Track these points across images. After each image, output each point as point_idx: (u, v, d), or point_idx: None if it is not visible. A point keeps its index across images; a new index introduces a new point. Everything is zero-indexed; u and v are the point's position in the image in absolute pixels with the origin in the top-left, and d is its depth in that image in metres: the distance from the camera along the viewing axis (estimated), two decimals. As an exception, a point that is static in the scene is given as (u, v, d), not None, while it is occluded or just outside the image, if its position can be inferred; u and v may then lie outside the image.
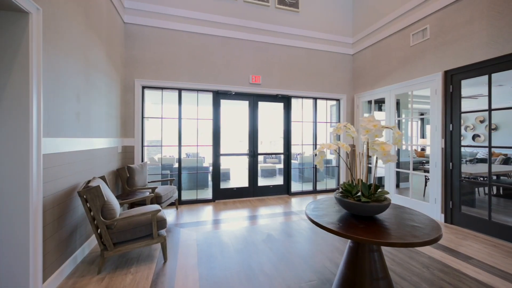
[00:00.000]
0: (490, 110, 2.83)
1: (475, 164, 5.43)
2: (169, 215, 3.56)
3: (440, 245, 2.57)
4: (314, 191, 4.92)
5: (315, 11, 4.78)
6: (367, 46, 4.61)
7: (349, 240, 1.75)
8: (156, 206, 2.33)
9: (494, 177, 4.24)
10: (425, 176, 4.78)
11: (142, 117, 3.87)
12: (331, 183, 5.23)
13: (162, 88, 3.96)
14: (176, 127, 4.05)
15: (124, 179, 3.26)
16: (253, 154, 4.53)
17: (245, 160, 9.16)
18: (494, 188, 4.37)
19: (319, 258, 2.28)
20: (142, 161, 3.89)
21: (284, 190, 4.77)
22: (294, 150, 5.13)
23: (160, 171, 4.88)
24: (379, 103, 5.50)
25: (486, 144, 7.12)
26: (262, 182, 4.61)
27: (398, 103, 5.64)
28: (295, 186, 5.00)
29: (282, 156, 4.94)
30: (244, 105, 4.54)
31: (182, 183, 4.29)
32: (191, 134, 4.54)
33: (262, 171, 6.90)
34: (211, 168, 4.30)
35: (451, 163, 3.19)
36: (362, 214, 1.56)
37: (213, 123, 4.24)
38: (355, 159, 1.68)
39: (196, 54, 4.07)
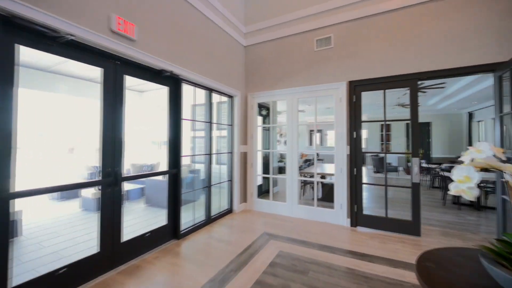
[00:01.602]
0: (385, 120, 3.27)
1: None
2: None
3: (363, 254, 2.41)
4: (208, 220, 3.47)
5: (209, -31, 3.44)
6: (264, 41, 4.05)
7: None
8: None
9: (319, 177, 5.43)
10: (303, 180, 5.11)
11: None
12: (224, 202, 4.02)
13: None
14: None
15: None
16: (114, 180, 2.20)
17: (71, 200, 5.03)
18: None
19: None
20: None
21: (169, 232, 2.85)
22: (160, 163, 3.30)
23: None
24: (260, 108, 5.23)
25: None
26: (126, 233, 2.35)
27: (268, 110, 5.74)
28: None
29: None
30: (92, 74, 2.12)
31: None
32: None
33: (90, 200, 4.04)
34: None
35: (355, 169, 3.37)
36: None
37: (-15, 106, 1.46)
38: None
39: None
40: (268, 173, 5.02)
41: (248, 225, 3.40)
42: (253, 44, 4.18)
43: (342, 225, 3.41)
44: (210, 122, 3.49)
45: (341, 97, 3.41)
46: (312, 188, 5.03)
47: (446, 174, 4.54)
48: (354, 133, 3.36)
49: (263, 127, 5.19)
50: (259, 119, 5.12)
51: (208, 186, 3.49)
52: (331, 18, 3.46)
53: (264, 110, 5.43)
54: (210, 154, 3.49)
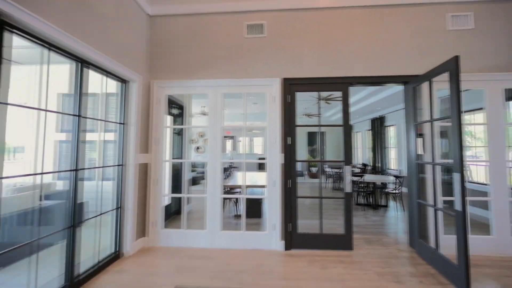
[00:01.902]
0: (319, 126, 2.97)
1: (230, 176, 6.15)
2: None
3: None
4: (72, 285, 2.00)
5: None
6: (180, 14, 3.01)
7: None
8: None
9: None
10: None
11: None
12: (106, 242, 2.54)
13: None
14: None
15: None
16: None
17: None
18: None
19: None
20: None
21: None
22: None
23: None
24: (170, 105, 4.01)
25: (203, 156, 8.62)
26: None
27: (182, 109, 4.62)
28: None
29: None
30: None
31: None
32: None
33: None
34: None
35: (290, 180, 2.88)
36: None
37: None
38: None
39: None
40: (179, 191, 3.87)
41: (149, 279, 2.19)
42: (163, 15, 3.04)
43: (276, 249, 2.81)
44: (79, 115, 2.06)
45: (275, 96, 2.88)
46: (235, 203, 4.28)
47: (354, 178, 4.94)
48: (289, 138, 2.89)
49: (175, 128, 4.03)
50: (168, 119, 3.92)
51: (71, 226, 2.01)
52: (265, 2, 2.91)
53: (175, 108, 4.27)
54: (76, 170, 2.04)
